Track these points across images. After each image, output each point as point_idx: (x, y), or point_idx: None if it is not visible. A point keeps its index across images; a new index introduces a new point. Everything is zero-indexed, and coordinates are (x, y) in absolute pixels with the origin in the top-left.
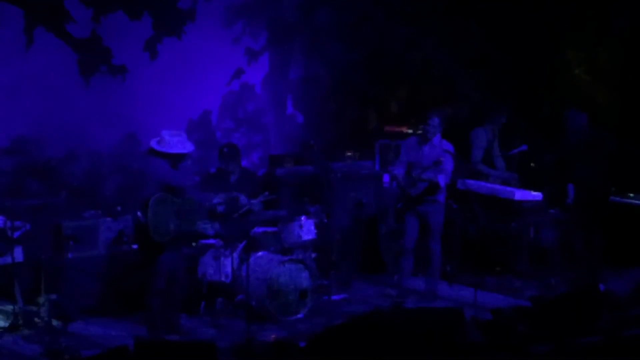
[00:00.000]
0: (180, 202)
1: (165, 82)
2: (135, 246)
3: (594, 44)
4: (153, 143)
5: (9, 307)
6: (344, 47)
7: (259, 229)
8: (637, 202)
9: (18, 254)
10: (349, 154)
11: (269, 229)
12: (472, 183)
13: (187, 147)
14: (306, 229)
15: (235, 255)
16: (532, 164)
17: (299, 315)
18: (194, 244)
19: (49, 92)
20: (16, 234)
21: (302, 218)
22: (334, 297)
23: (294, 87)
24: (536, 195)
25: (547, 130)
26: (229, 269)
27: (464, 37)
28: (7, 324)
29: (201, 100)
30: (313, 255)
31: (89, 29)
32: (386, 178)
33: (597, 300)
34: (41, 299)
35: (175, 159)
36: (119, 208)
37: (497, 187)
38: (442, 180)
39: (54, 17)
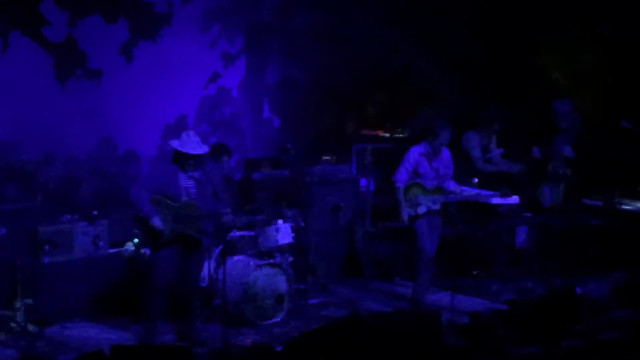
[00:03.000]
0: (178, 206)
1: (142, 86)
2: (111, 250)
3: (574, 47)
4: (175, 144)
5: None
6: (321, 50)
7: (236, 233)
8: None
9: None
10: (326, 157)
11: (246, 233)
12: None
13: (204, 148)
14: (283, 232)
15: (212, 259)
16: None
17: (276, 320)
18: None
19: (24, 96)
20: None
21: (279, 222)
22: (311, 301)
23: (271, 90)
24: (513, 198)
25: (527, 132)
26: (205, 273)
27: (443, 40)
28: None
29: (177, 104)
30: (290, 259)
31: (65, 33)
32: (363, 182)
33: (574, 304)
34: (17, 304)
35: (198, 160)
36: (95, 212)
37: (474, 190)
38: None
39: (30, 20)
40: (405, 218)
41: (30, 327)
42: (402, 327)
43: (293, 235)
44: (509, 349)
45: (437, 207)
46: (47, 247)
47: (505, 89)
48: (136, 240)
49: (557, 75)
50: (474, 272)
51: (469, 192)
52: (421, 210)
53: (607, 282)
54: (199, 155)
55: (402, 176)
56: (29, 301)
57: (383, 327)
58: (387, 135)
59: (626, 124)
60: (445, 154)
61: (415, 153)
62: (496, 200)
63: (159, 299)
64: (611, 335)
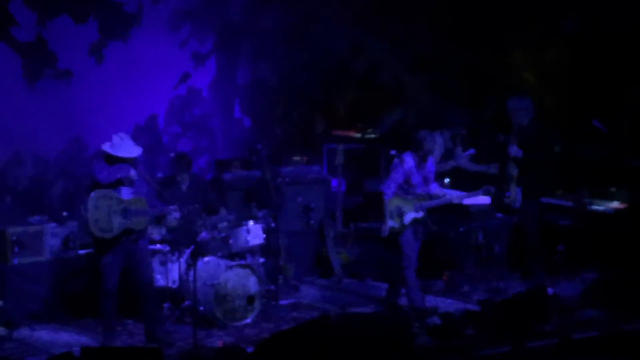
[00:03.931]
0: (128, 201)
1: (112, 86)
2: (80, 252)
3: (541, 46)
4: (107, 147)
5: None
6: (291, 50)
7: (206, 234)
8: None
9: None
10: (297, 158)
11: (217, 234)
12: None
13: (137, 151)
14: (254, 233)
15: (182, 260)
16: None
17: (247, 321)
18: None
19: None
20: None
21: (250, 223)
22: (282, 302)
23: (241, 91)
24: (484, 199)
25: (494, 133)
26: (176, 275)
27: (411, 39)
28: None
29: (148, 105)
30: (261, 260)
31: (34, 33)
32: (334, 182)
33: (545, 304)
34: None
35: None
36: (64, 213)
37: (457, 192)
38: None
39: None
40: (387, 231)
41: None
42: (373, 328)
43: (264, 236)
44: (480, 349)
45: (421, 214)
46: (16, 248)
47: (472, 89)
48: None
49: (524, 75)
50: (446, 273)
51: (452, 194)
52: (406, 220)
53: (578, 282)
54: (129, 159)
55: (390, 189)
56: None
57: (354, 328)
58: (358, 135)
59: (597, 124)
60: (429, 159)
61: (405, 165)
62: (467, 201)
63: (110, 303)
64: (582, 335)
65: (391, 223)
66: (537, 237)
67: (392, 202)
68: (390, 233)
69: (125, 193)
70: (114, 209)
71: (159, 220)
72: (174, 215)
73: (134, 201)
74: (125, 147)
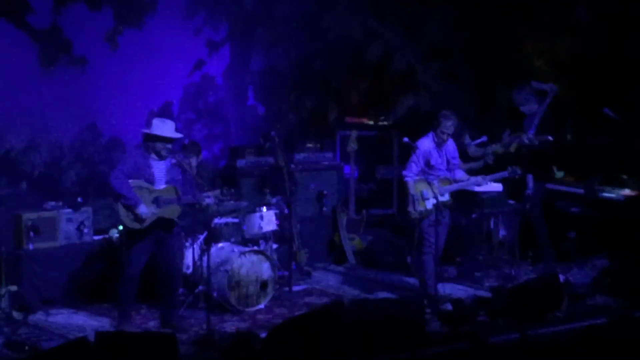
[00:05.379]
0: (159, 190)
1: (126, 73)
2: (95, 237)
3: (554, 35)
4: (154, 129)
5: None
6: (304, 37)
7: (219, 220)
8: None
9: None
10: (310, 145)
11: (230, 220)
12: None
13: (177, 134)
14: (267, 220)
15: (196, 246)
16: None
17: (260, 306)
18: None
19: (9, 83)
20: None
21: (263, 209)
22: (295, 288)
23: (255, 78)
24: (496, 186)
25: (507, 121)
26: (189, 260)
27: (424, 27)
28: None
29: (162, 92)
30: (274, 246)
31: (50, 20)
32: (347, 169)
33: (556, 291)
34: (1, 291)
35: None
36: (79, 199)
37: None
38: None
39: (14, 8)
40: (414, 213)
41: (15, 314)
42: (386, 314)
43: (277, 222)
44: (491, 336)
45: (445, 198)
46: (31, 233)
47: (484, 77)
48: (121, 227)
49: (536, 63)
50: (458, 259)
51: (475, 179)
52: (429, 204)
53: (589, 269)
54: (168, 139)
55: (410, 171)
56: (13, 288)
57: (366, 314)
58: (371, 122)
59: (608, 112)
60: (450, 143)
61: (424, 146)
62: (491, 184)
63: (131, 288)
64: (593, 322)
65: (417, 206)
66: (543, 221)
67: (416, 187)
68: (413, 218)
69: (158, 183)
70: (146, 199)
71: (192, 208)
72: (207, 202)
73: (166, 190)
74: (167, 128)
